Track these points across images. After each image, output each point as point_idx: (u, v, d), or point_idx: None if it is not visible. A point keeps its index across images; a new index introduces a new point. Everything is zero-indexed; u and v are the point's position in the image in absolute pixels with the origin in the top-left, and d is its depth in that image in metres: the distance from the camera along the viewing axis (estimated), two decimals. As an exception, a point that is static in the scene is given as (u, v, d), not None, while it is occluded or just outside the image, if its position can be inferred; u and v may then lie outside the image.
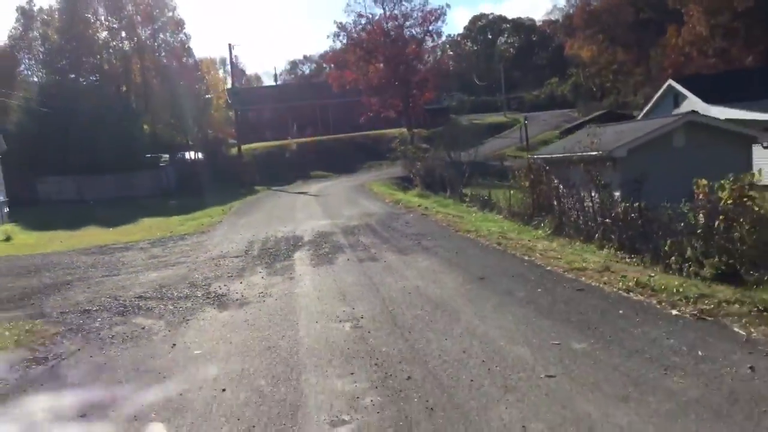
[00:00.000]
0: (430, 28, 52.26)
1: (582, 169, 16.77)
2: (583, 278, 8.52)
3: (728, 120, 27.74)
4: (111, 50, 51.68)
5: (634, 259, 10.62)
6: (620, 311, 6.69)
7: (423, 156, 37.15)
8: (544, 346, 5.76)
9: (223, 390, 5.40)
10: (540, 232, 14.61)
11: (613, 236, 12.66)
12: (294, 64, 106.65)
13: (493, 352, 5.70)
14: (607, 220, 13.47)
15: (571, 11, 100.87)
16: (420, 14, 51.65)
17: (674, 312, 6.47)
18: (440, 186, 30.87)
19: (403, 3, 51.53)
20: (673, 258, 9.93)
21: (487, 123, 69.81)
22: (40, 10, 52.93)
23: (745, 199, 10.22)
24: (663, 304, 6.79)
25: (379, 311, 7.70)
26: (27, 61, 53.59)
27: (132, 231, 22.75)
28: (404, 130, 53.38)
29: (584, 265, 9.33)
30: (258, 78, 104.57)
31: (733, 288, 7.48)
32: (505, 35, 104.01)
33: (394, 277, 9.76)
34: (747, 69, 47.47)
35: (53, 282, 12.48)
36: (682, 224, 10.89)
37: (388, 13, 51.32)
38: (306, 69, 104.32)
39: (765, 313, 6.05)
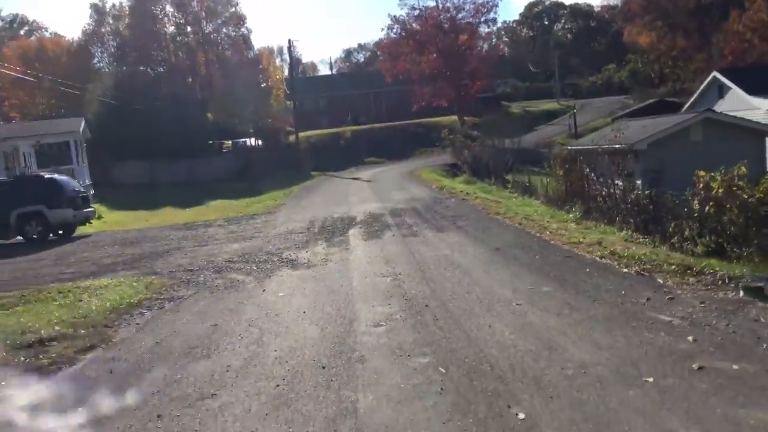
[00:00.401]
0: (482, 19, 54.33)
1: (608, 160, 19.15)
2: (575, 249, 11.06)
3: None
4: (177, 44, 55.67)
5: (647, 239, 12.63)
6: (587, 270, 9.27)
7: (470, 144, 39.57)
8: (522, 289, 8.42)
9: (304, 312, 8.28)
10: (571, 216, 16.60)
11: (631, 220, 14.92)
12: (348, 53, 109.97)
13: (487, 293, 8.40)
14: (628, 205, 15.72)
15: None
16: (472, 6, 53.81)
17: (624, 270, 9.00)
18: (486, 173, 33.31)
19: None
20: (675, 238, 12.25)
21: (540, 110, 71.40)
22: (112, 6, 57.53)
23: (734, 188, 12.38)
24: (620, 265, 9.33)
25: (413, 270, 10.46)
26: (99, 54, 58.21)
27: (205, 211, 26.19)
28: (455, 117, 55.77)
29: (581, 240, 11.83)
30: (314, 66, 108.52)
31: (687, 256, 9.94)
32: (562, 21, 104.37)
33: (429, 248, 12.51)
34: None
35: (154, 251, 15.73)
36: (686, 210, 13.12)
37: (440, 6, 53.64)
38: (360, 57, 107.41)
39: (688, 271, 8.53)
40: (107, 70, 56.62)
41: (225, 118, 57.15)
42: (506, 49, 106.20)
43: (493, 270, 9.94)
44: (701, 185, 13.34)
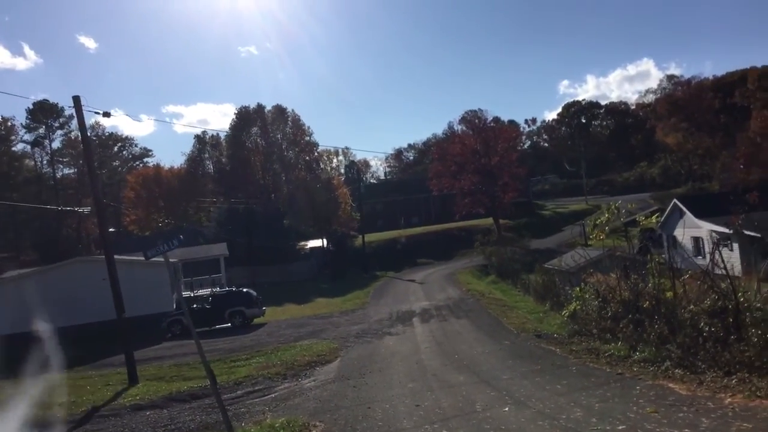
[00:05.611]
0: (510, 144, 74.34)
1: (559, 276, 37.86)
2: (510, 326, 29.64)
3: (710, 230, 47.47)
4: (266, 169, 77.09)
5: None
6: (504, 332, 27.90)
7: (496, 250, 58.51)
8: (477, 337, 27.10)
9: (401, 346, 27.15)
10: (545, 307, 35.02)
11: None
12: (399, 152, 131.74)
13: (463, 338, 27.09)
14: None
15: (665, 92, 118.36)
16: (504, 134, 74.01)
17: (522, 333, 27.50)
18: (507, 274, 51.94)
19: (491, 124, 74.23)
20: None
21: (569, 210, 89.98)
22: (211, 137, 79.84)
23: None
24: (517, 330, 27.90)
25: (442, 334, 29.18)
26: (201, 178, 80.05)
27: (317, 307, 45.40)
28: (491, 220, 75.11)
29: (517, 321, 30.38)
30: (366, 163, 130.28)
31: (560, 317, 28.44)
32: (599, 119, 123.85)
33: (450, 325, 31.29)
34: (733, 188, 66.43)
35: (315, 330, 34.80)
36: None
37: (476, 136, 74.02)
38: (410, 156, 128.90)
39: (538, 332, 26.98)
40: (212, 194, 78.20)
41: (299, 224, 77.64)
42: (546, 145, 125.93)
43: (471, 332, 28.68)
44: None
